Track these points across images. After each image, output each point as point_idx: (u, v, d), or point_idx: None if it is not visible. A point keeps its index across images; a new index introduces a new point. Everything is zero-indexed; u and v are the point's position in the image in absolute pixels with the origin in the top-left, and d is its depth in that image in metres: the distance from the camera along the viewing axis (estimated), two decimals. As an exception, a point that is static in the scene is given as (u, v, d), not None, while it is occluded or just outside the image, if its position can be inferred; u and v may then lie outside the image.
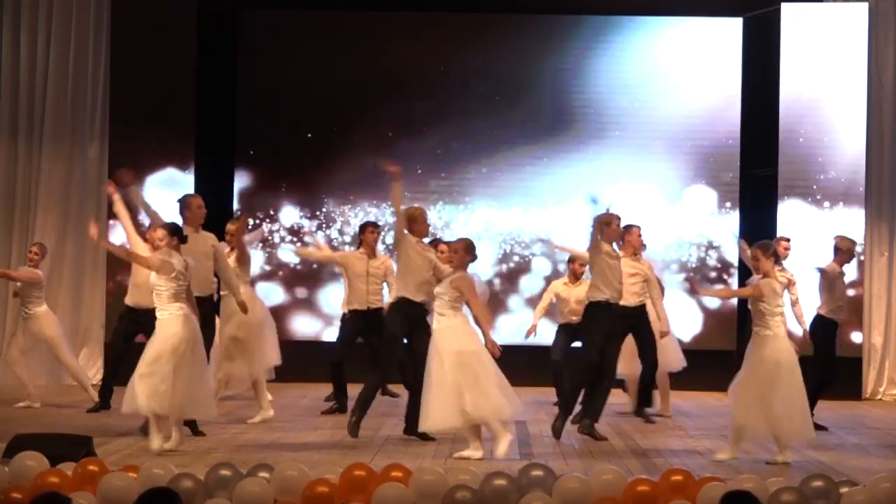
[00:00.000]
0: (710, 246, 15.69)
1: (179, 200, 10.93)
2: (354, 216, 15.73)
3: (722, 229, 15.64)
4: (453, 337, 9.57)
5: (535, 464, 7.52)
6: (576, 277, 12.64)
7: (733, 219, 15.67)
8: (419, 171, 15.82)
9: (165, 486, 6.74)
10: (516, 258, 15.84)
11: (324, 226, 15.74)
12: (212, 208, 15.59)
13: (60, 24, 15.39)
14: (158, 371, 9.41)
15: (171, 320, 9.55)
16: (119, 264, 15.04)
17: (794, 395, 9.59)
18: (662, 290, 12.39)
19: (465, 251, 9.80)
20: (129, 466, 7.42)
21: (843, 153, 15.11)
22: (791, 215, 15.05)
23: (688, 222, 15.72)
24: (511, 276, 15.82)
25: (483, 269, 15.74)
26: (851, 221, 15.02)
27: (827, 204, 15.07)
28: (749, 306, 10.01)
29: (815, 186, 15.11)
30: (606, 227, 10.80)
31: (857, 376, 14.80)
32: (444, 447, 10.16)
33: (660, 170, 15.75)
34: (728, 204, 15.70)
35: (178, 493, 5.90)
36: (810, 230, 14.96)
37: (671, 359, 12.46)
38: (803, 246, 14.96)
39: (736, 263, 15.54)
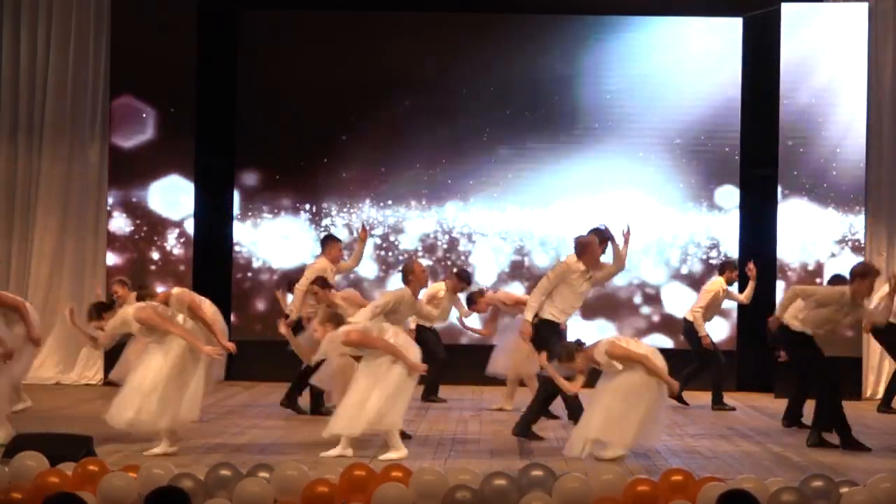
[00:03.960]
0: (710, 245, 15.69)
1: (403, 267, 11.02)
2: (356, 215, 15.77)
3: (722, 229, 15.67)
4: None
5: (535, 464, 7.51)
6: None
7: (733, 219, 15.69)
8: (419, 172, 15.83)
9: (172, 485, 6.73)
10: (516, 258, 15.84)
11: (322, 225, 15.78)
12: (212, 208, 15.76)
13: (60, 25, 15.39)
14: None
15: None
16: (117, 266, 15.08)
17: None
18: None
19: None
20: (129, 466, 7.42)
21: (842, 153, 15.10)
22: (791, 215, 15.05)
23: (687, 222, 15.73)
24: (511, 277, 15.82)
25: (483, 269, 15.77)
26: (850, 221, 15.02)
27: (826, 204, 15.07)
28: None
29: (814, 186, 15.10)
30: None
31: (857, 376, 14.80)
32: (445, 447, 10.17)
33: (659, 169, 15.75)
34: (728, 203, 15.71)
35: (186, 492, 5.89)
36: (810, 230, 14.99)
37: None
38: (803, 246, 15.01)
39: (737, 263, 15.61)
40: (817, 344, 10.72)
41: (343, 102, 15.83)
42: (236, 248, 15.79)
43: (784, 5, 15.19)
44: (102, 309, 9.95)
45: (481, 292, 13.29)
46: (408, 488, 7.03)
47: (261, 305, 15.63)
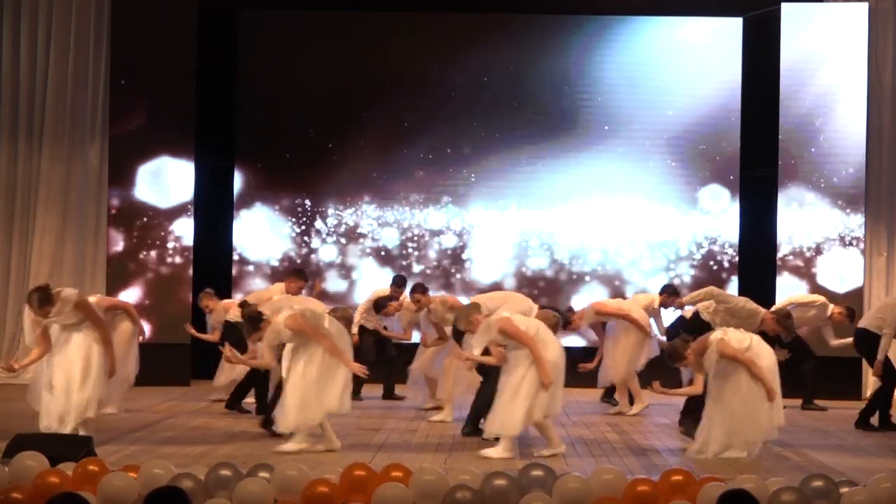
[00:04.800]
0: (710, 246, 15.69)
1: None
2: (353, 214, 15.78)
3: (722, 229, 15.68)
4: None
5: (535, 464, 7.51)
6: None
7: (733, 218, 15.69)
8: (419, 172, 15.84)
9: (172, 485, 6.73)
10: (515, 258, 15.84)
11: (318, 225, 15.79)
12: (212, 208, 15.75)
13: (60, 25, 15.37)
14: None
15: None
16: (118, 266, 15.07)
17: None
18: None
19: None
20: (129, 466, 7.42)
21: (842, 153, 15.10)
22: (790, 215, 15.05)
23: (687, 222, 15.73)
24: (511, 277, 15.82)
25: (484, 269, 15.78)
26: (850, 221, 15.01)
27: (826, 204, 15.06)
28: None
29: (814, 186, 15.09)
30: None
31: (857, 376, 14.78)
32: (443, 447, 10.16)
33: (659, 170, 15.76)
34: (728, 204, 15.71)
35: (186, 492, 5.88)
36: (810, 230, 14.98)
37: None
38: (802, 246, 15.00)
39: (737, 263, 15.63)
40: None
41: (343, 101, 15.84)
42: (236, 246, 15.79)
43: (784, 5, 15.19)
44: (257, 321, 9.95)
45: (570, 310, 13.14)
46: (408, 488, 7.03)
47: (261, 305, 15.63)
